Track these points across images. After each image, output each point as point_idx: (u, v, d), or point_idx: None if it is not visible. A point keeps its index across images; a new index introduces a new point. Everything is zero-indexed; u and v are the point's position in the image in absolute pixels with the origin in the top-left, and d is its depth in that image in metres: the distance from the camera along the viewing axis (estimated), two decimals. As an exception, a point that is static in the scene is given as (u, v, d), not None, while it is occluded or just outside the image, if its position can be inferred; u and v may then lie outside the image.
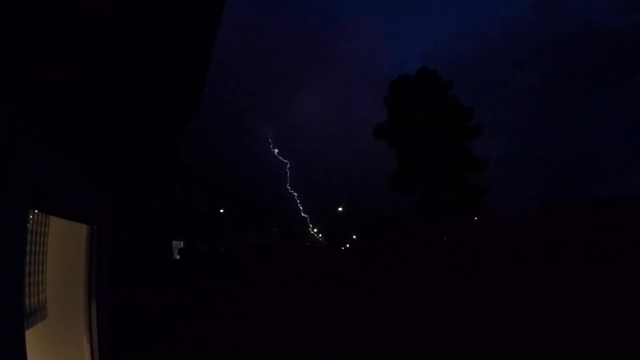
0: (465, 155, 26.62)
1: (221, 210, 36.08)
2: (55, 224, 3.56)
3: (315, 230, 50.74)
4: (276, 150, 44.69)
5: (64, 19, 2.06)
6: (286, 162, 43.94)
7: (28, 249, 2.87)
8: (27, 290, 2.91)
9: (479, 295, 12.93)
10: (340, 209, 42.22)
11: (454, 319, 9.51)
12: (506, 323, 8.79)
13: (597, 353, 6.30)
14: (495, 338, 7.55)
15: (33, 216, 3.15)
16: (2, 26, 1.94)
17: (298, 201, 42.16)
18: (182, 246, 22.95)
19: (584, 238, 20.74)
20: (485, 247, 23.70)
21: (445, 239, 29.45)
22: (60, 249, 3.77)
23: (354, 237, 44.25)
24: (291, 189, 41.71)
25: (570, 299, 11.18)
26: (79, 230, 4.06)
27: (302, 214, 44.32)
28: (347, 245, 44.95)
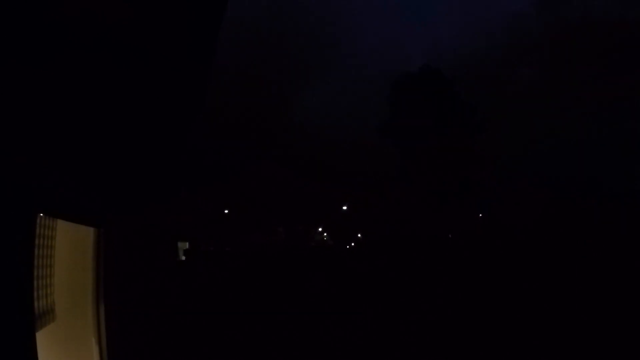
0: (470, 152, 26.57)
1: (226, 211, 36.15)
2: (62, 227, 3.57)
3: (320, 229, 50.75)
4: (279, 149, 44.78)
5: (64, 20, 2.06)
6: (289, 161, 43.95)
7: (36, 252, 2.88)
8: (36, 293, 2.93)
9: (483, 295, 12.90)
10: (344, 207, 42.17)
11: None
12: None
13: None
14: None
15: (40, 220, 3.16)
16: (7, 26, 1.94)
17: (303, 201, 42.16)
18: (187, 247, 22.98)
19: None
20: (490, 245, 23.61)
21: (450, 236, 29.40)
22: (68, 252, 3.79)
23: (359, 235, 44.22)
24: (295, 189, 41.73)
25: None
26: (86, 233, 4.08)
27: (307, 214, 44.33)
28: (352, 244, 44.92)
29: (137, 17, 2.21)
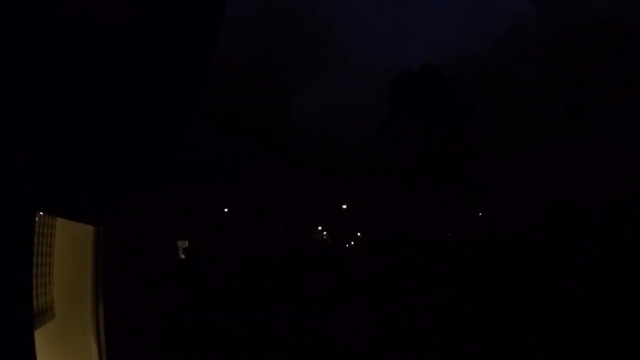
0: (470, 151, 26.56)
1: (226, 210, 36.15)
2: (62, 225, 3.57)
3: (319, 228, 50.77)
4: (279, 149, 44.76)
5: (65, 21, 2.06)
6: (289, 160, 43.92)
7: (35, 250, 2.88)
8: (34, 291, 2.93)
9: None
10: (344, 206, 42.18)
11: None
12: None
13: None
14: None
15: (39, 218, 3.17)
16: (7, 26, 1.94)
17: (303, 200, 42.15)
18: (186, 246, 22.97)
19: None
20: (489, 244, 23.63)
21: (449, 235, 29.41)
22: (67, 251, 3.79)
23: (359, 234, 44.23)
24: (295, 188, 41.72)
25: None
26: (86, 232, 4.07)
27: (307, 213, 44.33)
28: (352, 243, 44.94)
29: (137, 17, 2.21)
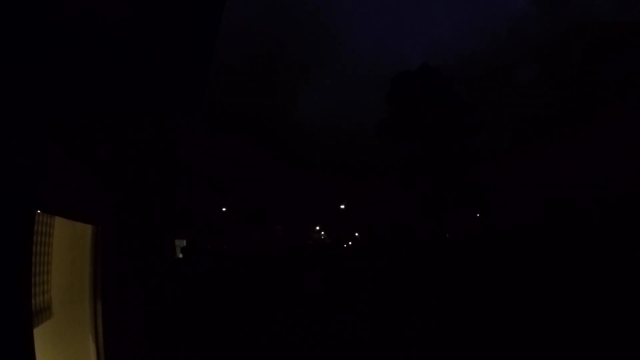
0: (469, 152, 26.56)
1: (223, 209, 36.13)
2: (60, 224, 3.58)
3: (317, 227, 50.81)
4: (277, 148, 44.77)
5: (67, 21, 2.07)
6: (288, 160, 43.95)
7: (34, 249, 2.89)
8: (33, 290, 2.94)
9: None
10: (342, 206, 42.21)
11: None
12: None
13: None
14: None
15: (38, 217, 3.17)
16: (7, 26, 1.94)
17: (301, 199, 42.18)
18: (184, 245, 22.92)
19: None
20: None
21: (447, 235, 29.43)
22: (65, 249, 3.80)
23: (357, 234, 44.26)
24: (294, 188, 41.74)
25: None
26: (84, 231, 4.08)
27: (305, 212, 44.35)
28: (350, 243, 44.97)
29: (137, 17, 2.21)
